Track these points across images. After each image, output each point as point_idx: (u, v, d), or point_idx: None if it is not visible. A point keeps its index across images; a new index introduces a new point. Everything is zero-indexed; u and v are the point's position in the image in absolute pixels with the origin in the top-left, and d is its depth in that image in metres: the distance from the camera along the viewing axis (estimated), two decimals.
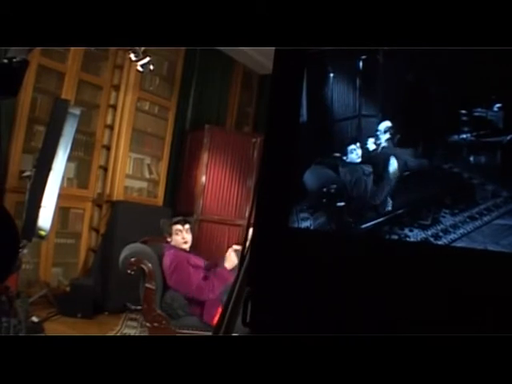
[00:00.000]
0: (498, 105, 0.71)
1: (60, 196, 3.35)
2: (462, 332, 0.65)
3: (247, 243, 0.98)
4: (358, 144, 0.86)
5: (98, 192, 4.30)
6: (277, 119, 0.93)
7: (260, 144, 4.54)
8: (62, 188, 3.39)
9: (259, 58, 5.09)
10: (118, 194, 4.28)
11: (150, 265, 2.72)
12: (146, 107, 4.58)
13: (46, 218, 3.20)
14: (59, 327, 3.24)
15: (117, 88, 4.32)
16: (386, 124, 0.83)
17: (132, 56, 3.73)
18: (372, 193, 0.84)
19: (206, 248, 4.35)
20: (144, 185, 4.71)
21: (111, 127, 4.33)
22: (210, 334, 1.20)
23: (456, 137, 0.75)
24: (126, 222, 4.05)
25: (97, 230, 4.29)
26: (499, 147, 0.71)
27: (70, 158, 3.42)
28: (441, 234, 0.74)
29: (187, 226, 2.96)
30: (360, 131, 0.87)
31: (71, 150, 3.36)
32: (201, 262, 2.91)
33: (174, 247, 2.88)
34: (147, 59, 3.73)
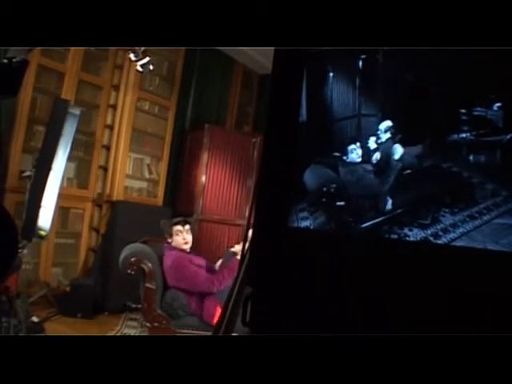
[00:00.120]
0: (498, 104, 0.71)
1: (60, 196, 3.36)
2: (461, 331, 0.65)
3: (247, 243, 0.98)
4: (358, 143, 0.86)
5: (97, 192, 4.30)
6: (276, 119, 0.93)
7: (260, 144, 4.54)
8: (61, 188, 3.39)
9: (259, 57, 5.09)
10: (117, 194, 4.28)
11: (150, 265, 2.72)
12: (146, 107, 4.58)
13: (45, 217, 3.20)
14: (59, 327, 3.25)
15: (117, 88, 4.32)
16: (387, 123, 0.83)
17: (132, 56, 3.73)
18: (372, 192, 0.84)
19: (206, 248, 4.35)
20: (144, 185, 4.71)
21: (111, 127, 4.33)
22: (210, 333, 1.20)
23: (455, 136, 0.75)
24: (125, 222, 4.05)
25: (97, 230, 4.29)
26: (499, 146, 0.71)
27: (69, 158, 3.42)
28: (440, 233, 0.74)
29: (187, 227, 2.96)
30: (360, 131, 0.87)
31: (71, 149, 3.36)
32: (202, 262, 2.91)
33: (175, 248, 2.87)
34: (147, 59, 3.73)
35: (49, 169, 3.08)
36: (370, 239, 0.83)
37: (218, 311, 2.61)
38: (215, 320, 2.60)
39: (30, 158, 3.48)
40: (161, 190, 4.72)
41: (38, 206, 3.07)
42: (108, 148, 4.33)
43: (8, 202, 3.41)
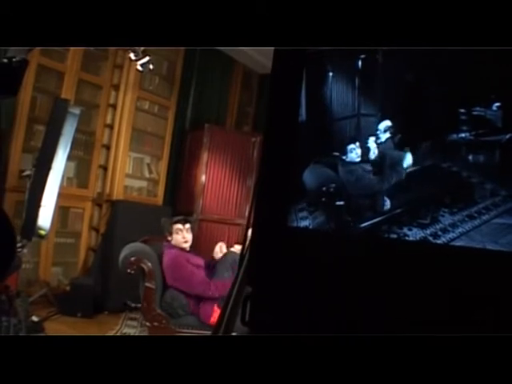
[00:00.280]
0: (497, 104, 0.71)
1: (60, 195, 3.35)
2: (461, 331, 0.65)
3: (247, 243, 0.98)
4: (358, 143, 0.86)
5: (97, 191, 4.30)
6: (276, 119, 0.93)
7: (260, 143, 4.54)
8: (61, 187, 3.39)
9: (259, 57, 5.09)
10: (117, 194, 4.28)
11: (149, 264, 2.72)
12: (146, 106, 4.58)
13: (45, 217, 3.20)
14: (59, 327, 3.25)
15: (116, 87, 4.32)
16: (387, 123, 0.83)
17: (132, 55, 3.73)
18: (372, 192, 0.84)
19: (206, 247, 4.34)
20: (144, 184, 4.71)
21: (111, 126, 4.33)
22: (209, 333, 1.20)
23: (455, 136, 0.75)
24: (125, 221, 4.05)
25: (97, 230, 4.29)
26: (498, 146, 0.71)
27: (69, 158, 3.42)
28: (440, 233, 0.75)
29: (188, 226, 2.96)
30: (359, 130, 0.87)
31: (71, 149, 3.36)
32: (201, 261, 2.91)
33: (174, 246, 2.88)
34: (147, 59, 3.73)
35: (49, 168, 3.08)
36: (369, 239, 0.83)
37: (216, 311, 2.61)
38: (212, 319, 2.61)
39: (30, 158, 3.48)
40: (161, 190, 4.71)
41: (38, 206, 3.07)
42: (108, 147, 4.33)
43: (8, 201, 3.42)
